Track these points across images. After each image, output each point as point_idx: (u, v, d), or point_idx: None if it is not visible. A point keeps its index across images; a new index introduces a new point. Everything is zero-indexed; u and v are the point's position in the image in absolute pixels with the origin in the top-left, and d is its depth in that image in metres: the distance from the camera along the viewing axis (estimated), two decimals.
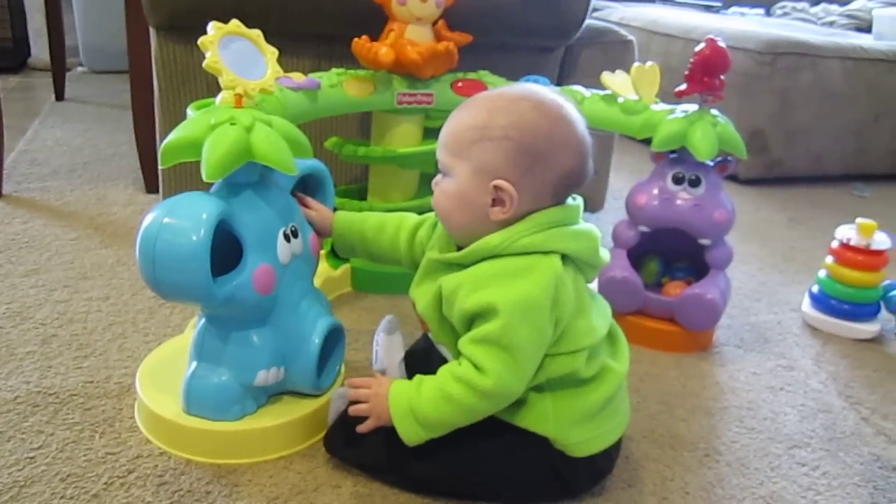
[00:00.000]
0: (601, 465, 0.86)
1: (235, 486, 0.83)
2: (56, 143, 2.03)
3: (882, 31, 2.67)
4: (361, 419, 0.83)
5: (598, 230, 0.83)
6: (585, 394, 0.82)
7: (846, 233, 1.35)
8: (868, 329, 1.34)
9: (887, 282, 1.36)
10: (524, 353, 0.76)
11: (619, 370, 0.85)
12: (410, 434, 0.79)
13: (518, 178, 0.78)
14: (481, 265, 0.78)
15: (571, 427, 0.81)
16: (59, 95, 2.48)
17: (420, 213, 1.37)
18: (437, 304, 0.82)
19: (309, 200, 0.97)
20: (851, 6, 3.13)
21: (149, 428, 0.90)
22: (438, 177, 0.83)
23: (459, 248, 0.82)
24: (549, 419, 0.81)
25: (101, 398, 0.96)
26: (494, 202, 0.78)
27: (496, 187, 0.78)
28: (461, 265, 0.80)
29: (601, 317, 0.85)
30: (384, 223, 0.97)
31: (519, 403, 0.80)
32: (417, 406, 0.78)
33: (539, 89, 0.82)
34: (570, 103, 0.81)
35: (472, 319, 0.78)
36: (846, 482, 0.95)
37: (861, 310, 1.35)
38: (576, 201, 0.83)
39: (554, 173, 0.79)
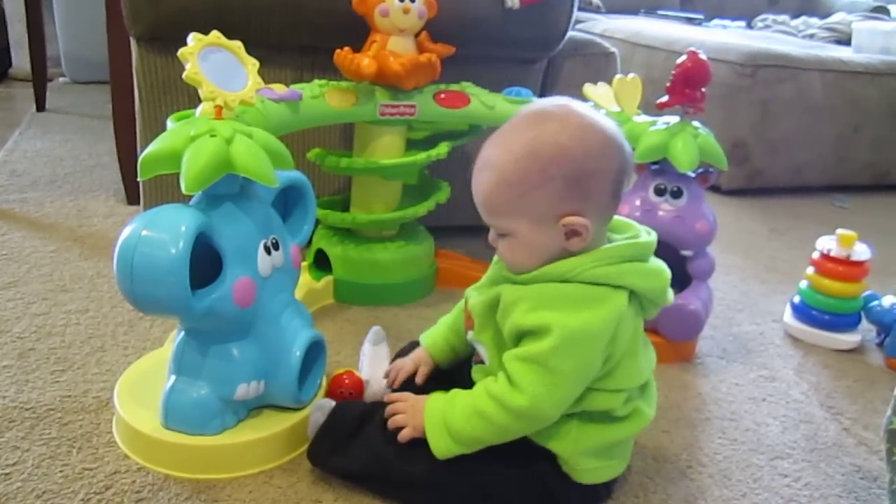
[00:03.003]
0: (599, 494, 0.86)
1: (215, 501, 0.82)
2: (36, 154, 2.01)
3: (861, 43, 2.70)
4: (346, 427, 0.84)
5: (668, 269, 0.81)
6: (613, 430, 0.81)
7: (827, 244, 1.36)
8: (849, 339, 1.35)
9: (868, 292, 1.37)
10: (567, 381, 0.75)
11: (649, 415, 0.84)
12: (441, 447, 0.78)
13: (580, 204, 0.76)
14: (547, 285, 0.77)
15: (587, 455, 0.81)
16: (40, 106, 2.46)
17: (402, 223, 1.38)
18: (491, 306, 0.81)
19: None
20: (831, 19, 3.16)
21: (127, 443, 0.88)
22: (493, 234, 0.81)
23: None
24: (568, 440, 0.80)
25: (79, 413, 0.94)
26: (568, 235, 0.77)
27: (566, 225, 0.76)
28: (524, 282, 0.79)
29: (647, 362, 0.84)
30: (457, 317, 0.95)
31: None
32: (451, 420, 0.78)
33: (536, 109, 0.79)
34: (569, 103, 0.79)
35: (523, 335, 0.76)
36: (828, 493, 0.95)
37: (842, 320, 1.36)
38: (651, 237, 0.81)
39: (607, 180, 0.77)
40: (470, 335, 0.86)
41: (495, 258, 0.88)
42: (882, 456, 0.88)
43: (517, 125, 0.78)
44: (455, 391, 0.81)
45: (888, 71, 2.42)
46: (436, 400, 0.81)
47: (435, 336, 0.95)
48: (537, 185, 0.75)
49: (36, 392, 0.98)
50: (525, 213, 0.77)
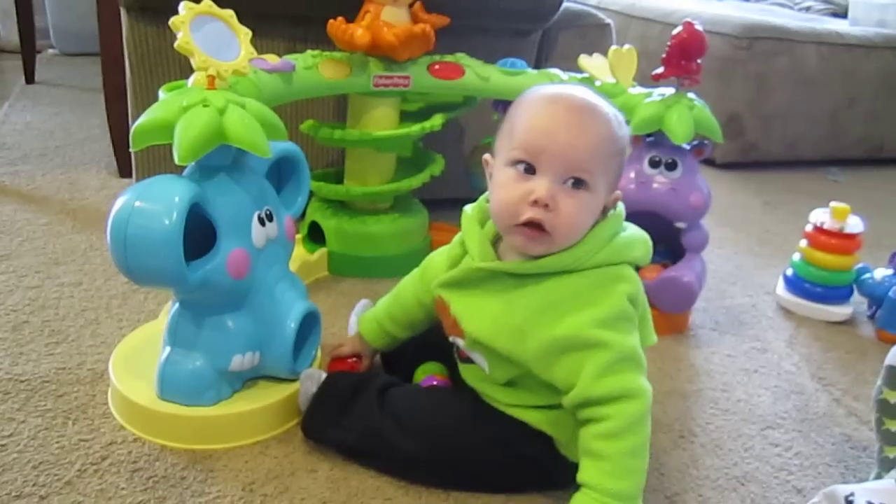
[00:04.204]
0: None
1: (211, 471, 0.82)
2: (26, 127, 1.99)
3: (857, 16, 2.69)
4: (339, 397, 0.85)
5: (645, 233, 0.82)
6: None
7: (820, 216, 1.36)
8: (841, 312, 1.36)
9: (860, 265, 1.38)
10: (641, 354, 0.75)
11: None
12: None
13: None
14: (553, 286, 0.75)
15: None
16: (30, 78, 2.43)
17: (396, 196, 1.38)
18: (493, 326, 0.77)
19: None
20: None
21: (122, 414, 0.89)
22: (551, 189, 0.73)
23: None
24: (568, 428, 0.79)
25: (74, 385, 0.94)
26: (604, 211, 0.78)
27: (614, 200, 0.78)
28: (518, 275, 0.77)
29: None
30: (399, 295, 0.95)
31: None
32: (622, 491, 0.71)
33: (578, 88, 0.79)
34: None
35: (563, 346, 0.74)
36: (818, 462, 0.96)
37: (834, 293, 1.37)
38: (617, 210, 0.80)
39: None
40: (459, 342, 0.83)
41: (448, 249, 0.86)
42: (871, 426, 0.89)
43: (578, 91, 0.77)
44: (583, 482, 0.72)
45: (884, 44, 2.41)
46: (584, 499, 0.71)
47: (371, 324, 0.96)
48: (622, 150, 0.77)
49: (31, 364, 0.98)
50: (607, 174, 0.76)
